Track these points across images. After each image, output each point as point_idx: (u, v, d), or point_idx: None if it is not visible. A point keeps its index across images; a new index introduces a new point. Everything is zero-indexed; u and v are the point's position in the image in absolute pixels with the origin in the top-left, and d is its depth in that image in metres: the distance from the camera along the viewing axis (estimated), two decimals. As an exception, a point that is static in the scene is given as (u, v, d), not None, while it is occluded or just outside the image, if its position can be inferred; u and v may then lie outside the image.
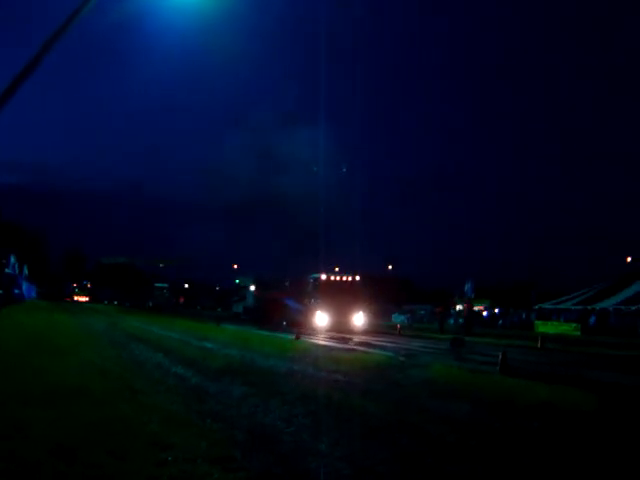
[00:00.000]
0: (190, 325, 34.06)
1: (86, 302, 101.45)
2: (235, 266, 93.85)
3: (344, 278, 38.15)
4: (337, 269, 40.39)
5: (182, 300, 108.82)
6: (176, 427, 7.42)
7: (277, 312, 43.30)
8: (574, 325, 49.74)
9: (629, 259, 56.71)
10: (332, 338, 28.46)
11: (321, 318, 35.93)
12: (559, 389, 11.33)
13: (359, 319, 36.67)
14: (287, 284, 47.37)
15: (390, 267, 36.75)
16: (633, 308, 46.35)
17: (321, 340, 26.45)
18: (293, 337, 25.37)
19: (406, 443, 7.33)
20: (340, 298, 36.01)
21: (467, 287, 57.57)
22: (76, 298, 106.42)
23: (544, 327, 51.97)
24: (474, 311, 55.61)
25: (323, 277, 37.82)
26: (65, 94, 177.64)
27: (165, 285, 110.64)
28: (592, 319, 49.02)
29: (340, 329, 33.81)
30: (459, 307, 64.78)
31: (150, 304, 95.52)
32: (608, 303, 49.82)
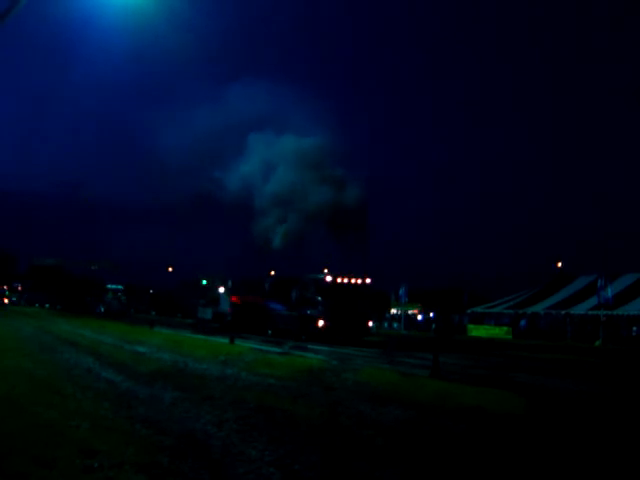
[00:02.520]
0: (123, 329, 33.51)
1: (15, 305, 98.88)
2: (170, 269, 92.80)
3: (352, 280, 32.67)
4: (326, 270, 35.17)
5: None
6: (104, 433, 7.33)
7: (259, 318, 38.00)
8: (505, 329, 50.75)
9: (560, 264, 58.11)
10: (268, 342, 28.40)
11: (324, 326, 31.28)
12: (488, 392, 11.58)
13: (369, 329, 32.95)
14: (267, 286, 40.69)
15: (325, 270, 34.95)
16: (563, 312, 47.51)
17: (257, 344, 26.36)
18: (227, 341, 25.20)
19: (336, 447, 7.39)
20: (347, 304, 31.57)
21: (401, 292, 58.41)
22: (6, 301, 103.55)
23: (476, 331, 52.88)
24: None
25: (328, 279, 32.46)
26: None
27: (120, 287, 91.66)
28: (522, 323, 50.08)
29: (346, 340, 30.10)
30: (394, 311, 65.47)
31: (102, 309, 78.83)
32: (539, 307, 50.94)
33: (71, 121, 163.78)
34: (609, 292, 41.79)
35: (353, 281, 32.67)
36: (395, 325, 62.82)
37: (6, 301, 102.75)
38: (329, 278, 32.49)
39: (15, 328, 30.12)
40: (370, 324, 33.26)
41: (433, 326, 63.07)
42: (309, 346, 25.85)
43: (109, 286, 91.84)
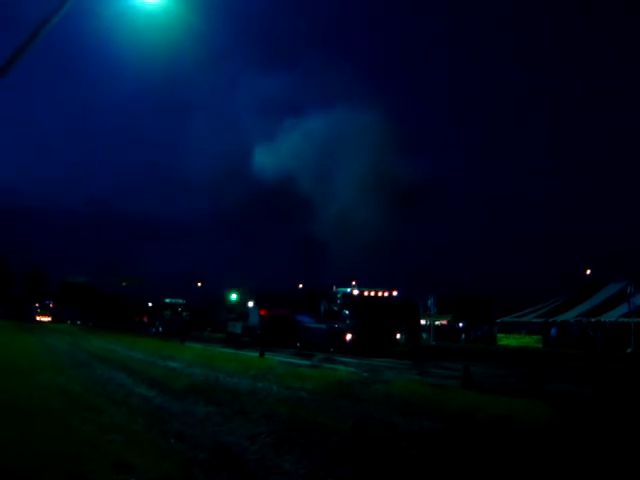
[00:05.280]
0: (154, 344, 33.73)
1: (48, 322, 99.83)
2: (199, 284, 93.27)
3: (379, 294, 32.83)
4: (355, 283, 35.32)
5: (145, 319, 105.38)
6: (139, 447, 7.40)
7: (288, 332, 38.00)
8: (536, 337, 50.35)
9: (589, 271, 57.65)
10: (298, 355, 28.39)
11: (352, 339, 31.20)
12: (518, 402, 11.49)
13: (397, 340, 32.79)
14: (296, 299, 41.80)
15: (354, 282, 34.78)
16: (593, 320, 47.05)
17: (286, 357, 26.38)
18: (257, 355, 25.25)
19: (369, 459, 7.42)
20: (375, 316, 31.33)
21: (429, 302, 58.14)
22: (39, 318, 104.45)
23: (507, 340, 52.59)
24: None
25: (356, 292, 32.64)
26: (26, 109, 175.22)
27: (181, 301, 73.96)
28: (553, 331, 49.64)
29: (374, 352, 29.06)
30: (423, 321, 65.20)
31: (160, 329, 66.31)
32: (569, 315, 50.48)
33: (100, 137, 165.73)
34: (639, 299, 41.29)
35: (380, 294, 32.82)
36: (424, 336, 62.52)
37: (39, 318, 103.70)
38: (356, 291, 32.63)
39: (49, 344, 30.48)
40: (398, 336, 33.12)
41: (462, 336, 62.81)
42: (338, 358, 25.82)
43: (167, 300, 73.93)
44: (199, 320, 75.94)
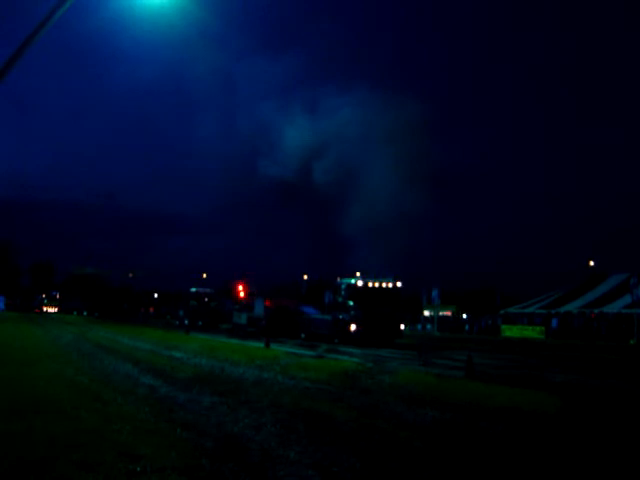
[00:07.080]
0: (159, 335, 33.83)
1: (54, 313, 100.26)
2: (204, 275, 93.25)
3: (383, 284, 32.82)
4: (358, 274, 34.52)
5: (152, 310, 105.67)
6: (146, 437, 7.44)
7: (292, 323, 38.50)
8: (538, 328, 50.53)
9: (592, 263, 57.69)
10: (302, 346, 28.44)
11: (356, 330, 31.39)
12: (521, 392, 11.56)
13: (401, 331, 32.80)
14: (301, 290, 42.53)
15: (358, 273, 34.53)
16: (596, 311, 47.13)
17: (291, 348, 26.44)
18: (262, 345, 25.33)
19: (374, 449, 7.45)
20: (379, 307, 31.75)
21: (434, 293, 58.17)
22: (45, 309, 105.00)
23: (510, 331, 52.79)
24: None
25: (360, 283, 32.65)
26: (35, 102, 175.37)
27: (208, 290, 67.03)
28: (554, 322, 49.80)
29: (378, 343, 29.59)
30: (427, 313, 65.26)
31: (185, 321, 57.98)
32: (572, 306, 50.60)
33: (106, 132, 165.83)
34: (642, 290, 41.27)
35: (384, 285, 32.84)
36: (428, 327, 62.66)
37: (45, 309, 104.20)
38: (360, 282, 32.66)
39: (55, 335, 30.60)
40: (402, 327, 33.22)
41: (466, 327, 62.92)
42: (342, 349, 25.88)
43: (194, 289, 66.85)
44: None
